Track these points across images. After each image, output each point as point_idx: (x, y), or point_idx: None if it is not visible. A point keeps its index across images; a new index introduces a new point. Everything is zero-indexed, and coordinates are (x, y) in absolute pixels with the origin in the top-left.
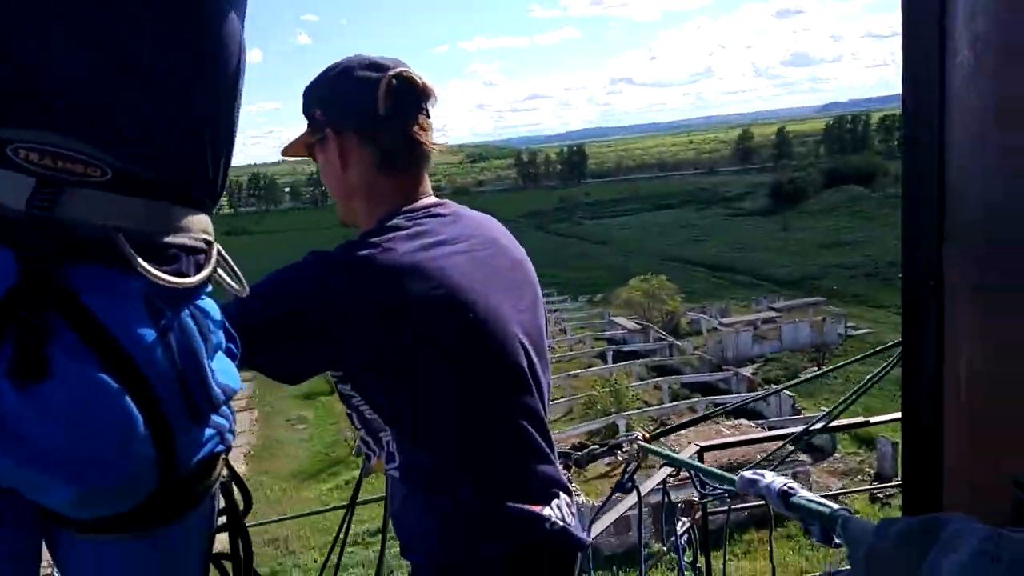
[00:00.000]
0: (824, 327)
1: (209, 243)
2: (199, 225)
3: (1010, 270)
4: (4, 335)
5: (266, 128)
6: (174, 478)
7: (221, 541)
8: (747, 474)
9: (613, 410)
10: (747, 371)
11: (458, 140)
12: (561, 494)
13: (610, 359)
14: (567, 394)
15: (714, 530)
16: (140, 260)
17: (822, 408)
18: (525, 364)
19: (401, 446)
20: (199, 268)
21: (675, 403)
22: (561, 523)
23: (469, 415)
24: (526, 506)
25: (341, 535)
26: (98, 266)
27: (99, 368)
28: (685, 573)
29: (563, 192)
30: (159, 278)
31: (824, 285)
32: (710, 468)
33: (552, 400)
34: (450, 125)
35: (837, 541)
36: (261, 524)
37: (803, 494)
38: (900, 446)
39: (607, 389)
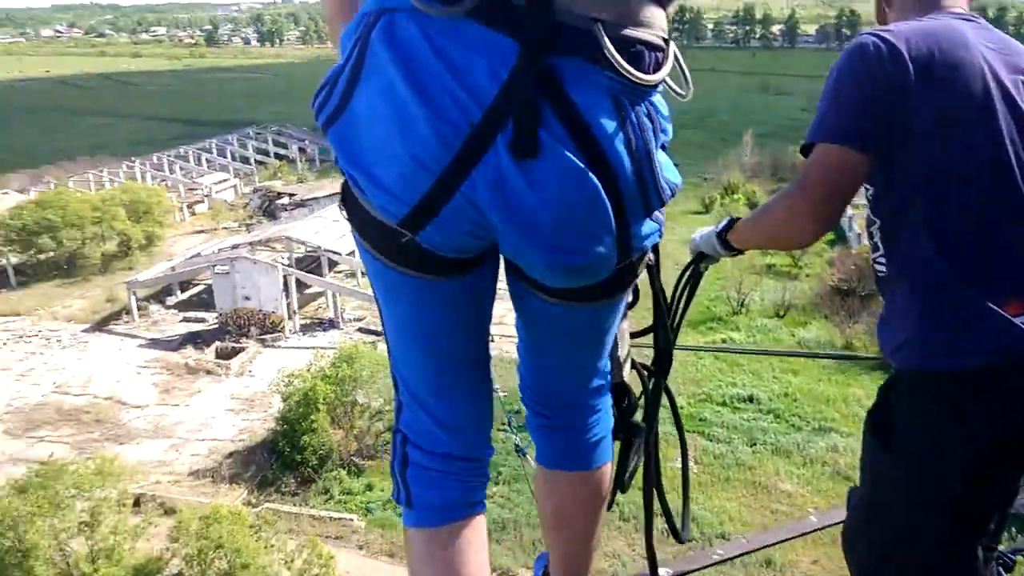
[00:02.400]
0: None
1: (667, 41)
2: (660, 22)
3: None
4: (506, 115)
5: None
6: (626, 262)
7: None
8: None
9: None
10: None
11: None
12: None
13: None
14: None
15: None
16: (615, 53)
17: None
18: None
19: (888, 236)
20: (658, 66)
21: None
22: None
23: (970, 207)
24: (1015, 316)
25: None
26: (578, 59)
27: (578, 156)
28: None
29: None
30: (632, 74)
31: None
32: None
33: None
34: None
35: None
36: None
37: None
38: None
39: None
